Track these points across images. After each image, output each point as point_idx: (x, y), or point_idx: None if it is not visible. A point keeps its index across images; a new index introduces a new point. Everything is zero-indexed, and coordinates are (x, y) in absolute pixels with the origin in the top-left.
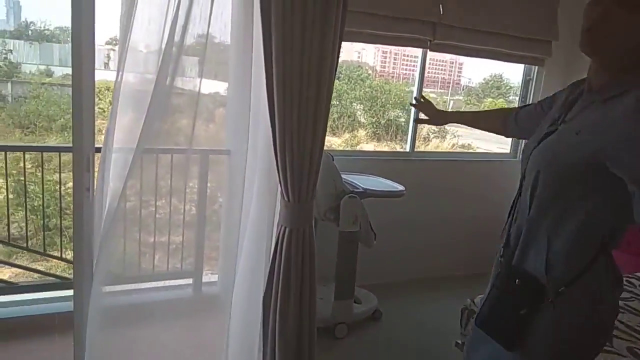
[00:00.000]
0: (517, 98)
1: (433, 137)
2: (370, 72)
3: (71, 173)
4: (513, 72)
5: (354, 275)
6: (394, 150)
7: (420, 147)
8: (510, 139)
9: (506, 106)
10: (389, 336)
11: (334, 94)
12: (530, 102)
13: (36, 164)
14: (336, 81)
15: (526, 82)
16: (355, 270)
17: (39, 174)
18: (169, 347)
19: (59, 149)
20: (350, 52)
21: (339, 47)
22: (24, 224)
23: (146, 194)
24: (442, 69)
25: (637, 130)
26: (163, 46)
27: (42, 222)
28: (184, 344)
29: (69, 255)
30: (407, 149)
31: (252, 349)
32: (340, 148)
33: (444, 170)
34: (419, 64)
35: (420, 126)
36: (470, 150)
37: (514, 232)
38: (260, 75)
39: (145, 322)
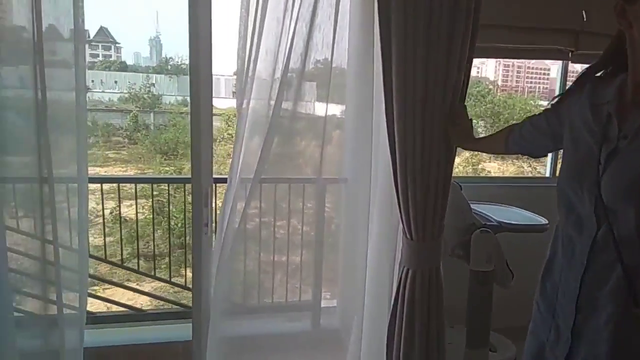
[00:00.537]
0: None
1: None
2: (491, 87)
3: None
4: None
5: (488, 320)
6: (522, 172)
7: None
8: None
9: None
10: None
11: None
12: None
13: (174, 186)
14: None
15: None
16: (490, 315)
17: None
18: None
19: (172, 180)
20: None
21: (469, 66)
22: (159, 242)
23: (266, 216)
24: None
25: None
26: (279, 74)
27: (176, 240)
28: None
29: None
30: (547, 174)
31: None
32: (461, 167)
33: None
34: (558, 78)
35: None
36: None
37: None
38: (380, 100)
39: (262, 354)
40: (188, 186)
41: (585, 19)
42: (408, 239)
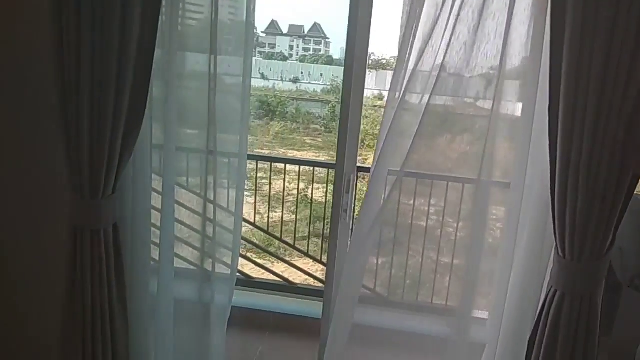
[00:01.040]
0: None
1: None
2: None
3: None
4: None
5: None
6: None
7: None
8: None
9: None
10: None
11: None
12: None
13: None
14: None
15: None
16: None
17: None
18: None
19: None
20: None
21: None
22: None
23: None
24: None
25: None
26: (438, 66)
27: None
28: None
29: None
30: None
31: None
32: None
33: None
34: None
35: None
36: None
37: None
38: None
39: (391, 349)
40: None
41: None
42: (560, 257)
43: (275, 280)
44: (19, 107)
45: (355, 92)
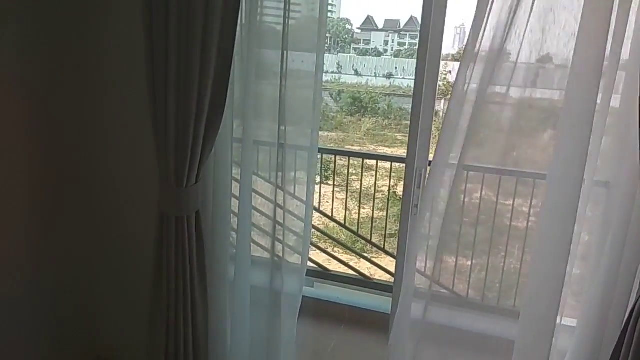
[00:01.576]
0: None
1: None
2: None
3: None
4: None
5: None
6: None
7: None
8: None
9: None
10: None
11: None
12: None
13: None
14: None
15: None
16: None
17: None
18: None
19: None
20: None
21: None
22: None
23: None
24: None
25: None
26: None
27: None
28: None
29: None
30: None
31: None
32: None
33: None
34: None
35: None
36: None
37: None
38: None
39: (457, 348)
40: None
41: None
42: None
43: (352, 275)
44: (123, 107)
45: (428, 84)
